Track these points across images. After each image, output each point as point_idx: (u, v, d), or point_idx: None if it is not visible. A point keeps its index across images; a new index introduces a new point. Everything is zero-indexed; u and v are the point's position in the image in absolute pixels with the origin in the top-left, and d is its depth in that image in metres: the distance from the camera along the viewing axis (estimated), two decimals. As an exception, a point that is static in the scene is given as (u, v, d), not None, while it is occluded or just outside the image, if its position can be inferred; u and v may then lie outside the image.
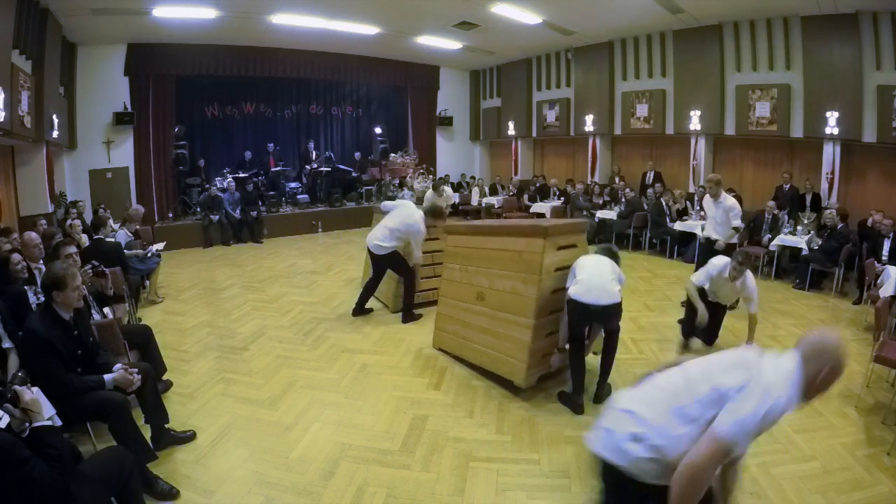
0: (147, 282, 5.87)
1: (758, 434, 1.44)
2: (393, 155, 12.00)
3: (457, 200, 11.43)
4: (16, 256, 3.53)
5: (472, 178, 12.95)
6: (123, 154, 9.28)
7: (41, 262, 3.86)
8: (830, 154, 7.39)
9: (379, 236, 4.93)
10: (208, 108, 10.78)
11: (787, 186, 7.60)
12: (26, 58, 6.21)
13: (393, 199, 10.94)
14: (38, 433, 1.81)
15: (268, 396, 3.57)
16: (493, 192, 11.72)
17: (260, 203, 9.98)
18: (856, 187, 7.53)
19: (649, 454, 1.53)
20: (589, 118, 10.55)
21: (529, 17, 8.35)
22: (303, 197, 10.97)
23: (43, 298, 2.69)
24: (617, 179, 9.83)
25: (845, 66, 7.04)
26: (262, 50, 10.12)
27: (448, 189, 7.65)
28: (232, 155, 10.91)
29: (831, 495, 2.51)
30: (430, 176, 11.67)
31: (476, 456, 2.87)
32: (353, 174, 11.82)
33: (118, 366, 2.65)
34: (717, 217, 5.28)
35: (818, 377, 1.46)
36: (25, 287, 3.33)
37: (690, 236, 7.58)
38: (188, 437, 2.99)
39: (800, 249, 6.40)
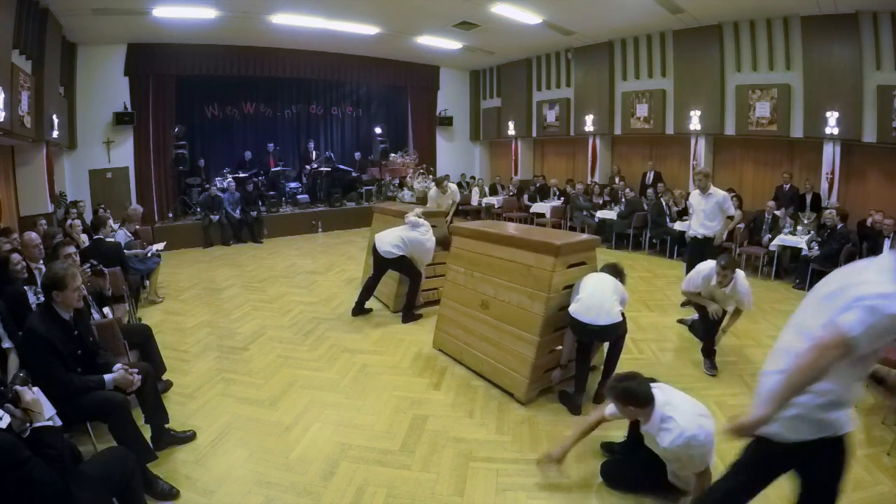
0: (147, 282, 5.87)
1: (882, 335, 1.46)
2: (393, 155, 12.01)
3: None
4: (16, 256, 3.54)
5: (472, 178, 12.96)
6: (123, 154, 9.29)
7: (41, 262, 3.86)
8: (830, 154, 7.39)
9: (391, 241, 4.90)
10: (208, 108, 10.79)
11: (787, 186, 7.60)
12: (26, 58, 6.22)
13: (393, 199, 10.98)
14: (39, 433, 1.82)
15: (268, 396, 3.57)
16: (493, 192, 11.73)
17: (260, 203, 9.98)
18: (856, 187, 7.53)
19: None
20: (589, 118, 10.55)
21: (529, 17, 8.35)
22: (303, 197, 10.97)
23: (43, 298, 2.69)
24: (617, 179, 9.83)
25: (845, 66, 7.04)
26: (262, 50, 10.13)
27: (453, 186, 7.43)
28: (232, 155, 10.91)
29: (831, 495, 2.50)
30: (430, 176, 11.67)
31: (476, 456, 2.87)
32: (353, 174, 11.83)
33: (118, 366, 2.65)
34: (706, 211, 5.11)
35: None
36: (25, 287, 3.33)
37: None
38: (188, 437, 2.99)
39: (800, 249, 6.40)
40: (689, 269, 4.47)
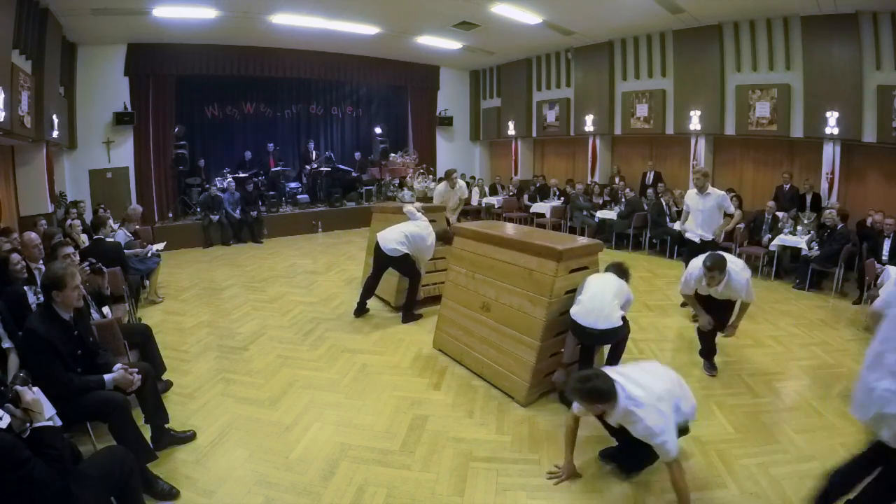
0: (147, 282, 5.87)
1: None
2: (393, 155, 12.00)
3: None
4: (15, 256, 3.54)
5: (473, 178, 12.94)
6: (123, 154, 9.28)
7: (41, 262, 3.86)
8: (830, 154, 7.39)
9: (395, 238, 4.89)
10: (208, 108, 10.78)
11: (788, 186, 7.60)
12: (26, 58, 6.21)
13: (393, 199, 10.97)
14: (39, 433, 1.81)
15: (268, 396, 3.57)
16: (493, 192, 11.72)
17: (260, 203, 9.97)
18: (856, 187, 7.53)
19: None
20: (589, 118, 10.55)
21: (529, 17, 8.35)
22: (303, 197, 10.97)
23: (43, 298, 2.69)
24: (617, 179, 9.83)
25: (845, 66, 7.04)
26: (262, 50, 10.12)
27: (462, 182, 7.42)
28: (232, 155, 10.90)
29: (831, 495, 2.50)
30: (430, 176, 11.67)
31: (476, 456, 2.87)
32: (353, 174, 11.82)
33: (118, 366, 2.65)
34: (704, 211, 5.05)
35: None
36: (25, 287, 3.33)
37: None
38: (188, 437, 2.99)
39: (800, 249, 6.40)
40: None
